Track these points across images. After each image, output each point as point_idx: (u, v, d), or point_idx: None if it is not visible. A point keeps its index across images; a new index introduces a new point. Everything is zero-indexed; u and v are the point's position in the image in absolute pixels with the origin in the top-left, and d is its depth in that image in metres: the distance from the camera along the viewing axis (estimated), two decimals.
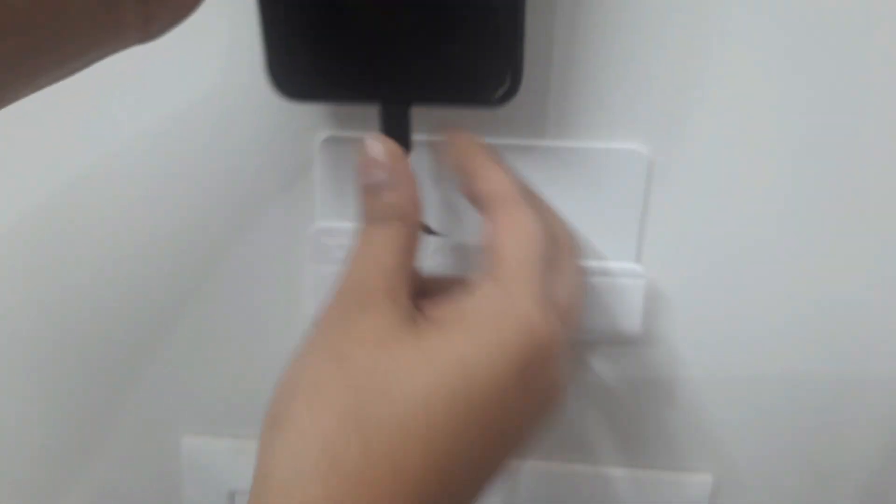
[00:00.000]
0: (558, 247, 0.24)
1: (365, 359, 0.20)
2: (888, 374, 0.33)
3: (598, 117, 0.28)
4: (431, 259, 0.29)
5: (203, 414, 0.36)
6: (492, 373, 0.19)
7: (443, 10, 0.23)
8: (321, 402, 0.19)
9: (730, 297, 0.31)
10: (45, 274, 0.33)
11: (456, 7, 0.23)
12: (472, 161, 0.24)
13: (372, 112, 0.25)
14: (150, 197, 0.31)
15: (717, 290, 0.31)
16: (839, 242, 0.30)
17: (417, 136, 0.25)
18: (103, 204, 0.31)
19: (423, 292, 0.23)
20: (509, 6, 0.23)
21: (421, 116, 0.25)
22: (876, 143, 0.28)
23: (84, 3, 0.16)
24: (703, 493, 0.35)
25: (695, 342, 0.32)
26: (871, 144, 0.28)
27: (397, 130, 0.24)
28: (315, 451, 0.18)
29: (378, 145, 0.23)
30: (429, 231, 0.26)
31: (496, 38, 0.24)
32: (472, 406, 0.19)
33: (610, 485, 0.35)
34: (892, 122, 0.28)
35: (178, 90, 0.29)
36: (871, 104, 0.28)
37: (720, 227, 0.30)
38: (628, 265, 0.29)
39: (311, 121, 0.29)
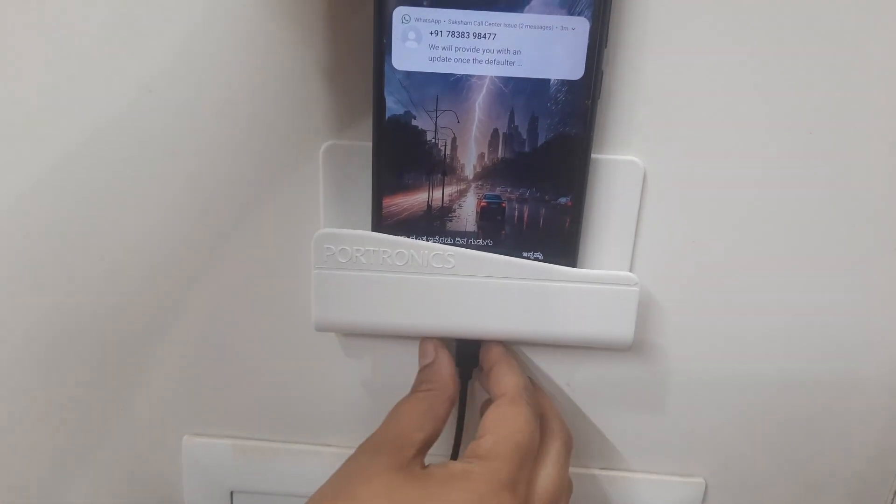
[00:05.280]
0: (549, 439, 0.28)
1: (362, 490, 0.25)
2: (876, 381, 0.33)
3: (598, 132, 0.29)
4: None
5: (203, 414, 0.36)
6: None
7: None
8: None
9: (721, 304, 0.32)
10: (49, 275, 0.33)
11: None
12: (495, 366, 0.30)
13: (369, 122, 0.28)
14: (157, 200, 0.31)
15: (708, 298, 0.32)
16: (828, 250, 0.31)
17: None
18: (109, 209, 0.31)
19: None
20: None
21: None
22: (862, 151, 0.29)
23: None
24: (696, 497, 0.36)
25: (687, 349, 0.33)
26: (858, 153, 0.29)
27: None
28: None
29: (428, 342, 0.31)
30: None
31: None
32: None
33: (604, 489, 0.36)
34: (878, 131, 0.29)
35: (186, 97, 0.29)
36: (857, 115, 0.28)
37: (711, 236, 0.31)
38: (622, 273, 0.30)
39: (314, 129, 0.30)
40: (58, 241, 0.32)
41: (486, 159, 0.28)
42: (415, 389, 0.30)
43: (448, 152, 0.28)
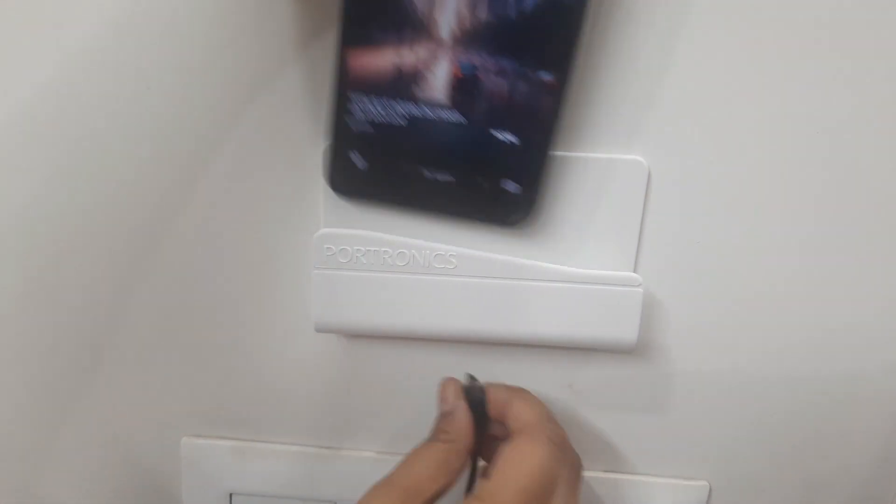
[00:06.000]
0: (567, 473, 0.27)
1: None
2: (881, 383, 0.33)
3: (603, 131, 0.29)
4: None
5: (202, 416, 0.36)
6: None
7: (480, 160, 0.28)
8: None
9: (725, 306, 0.32)
10: (46, 274, 0.33)
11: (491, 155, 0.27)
12: (512, 402, 0.29)
13: None
14: (157, 200, 0.31)
15: (712, 300, 0.31)
16: (834, 252, 0.30)
17: None
18: (108, 209, 0.31)
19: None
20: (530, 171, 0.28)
21: None
22: (869, 152, 0.29)
23: None
24: (700, 500, 0.35)
25: (691, 351, 0.33)
26: (864, 154, 0.29)
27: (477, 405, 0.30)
28: None
29: (449, 387, 0.30)
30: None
31: (519, 178, 0.28)
32: None
33: (607, 491, 0.35)
34: (886, 134, 0.28)
35: (186, 96, 0.29)
36: (865, 116, 0.28)
37: (716, 237, 0.30)
38: (626, 274, 0.29)
39: (314, 130, 0.29)
40: (58, 242, 0.32)
41: (465, 21, 0.25)
42: (434, 438, 0.29)
43: (423, 7, 0.25)
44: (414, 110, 0.27)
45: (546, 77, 0.26)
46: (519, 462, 0.26)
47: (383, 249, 0.29)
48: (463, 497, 0.29)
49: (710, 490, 0.35)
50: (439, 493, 0.27)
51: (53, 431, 0.36)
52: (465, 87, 0.26)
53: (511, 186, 0.28)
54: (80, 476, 0.37)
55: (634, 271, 0.30)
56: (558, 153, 0.29)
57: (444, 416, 0.30)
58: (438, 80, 0.26)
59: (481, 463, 0.30)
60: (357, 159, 0.28)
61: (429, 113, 0.27)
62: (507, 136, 0.27)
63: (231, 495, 0.37)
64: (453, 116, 0.27)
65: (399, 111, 0.27)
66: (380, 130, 0.27)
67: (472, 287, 0.29)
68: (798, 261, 0.31)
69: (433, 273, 0.29)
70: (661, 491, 0.35)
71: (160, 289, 0.33)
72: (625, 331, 0.30)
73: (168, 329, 0.34)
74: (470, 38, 0.26)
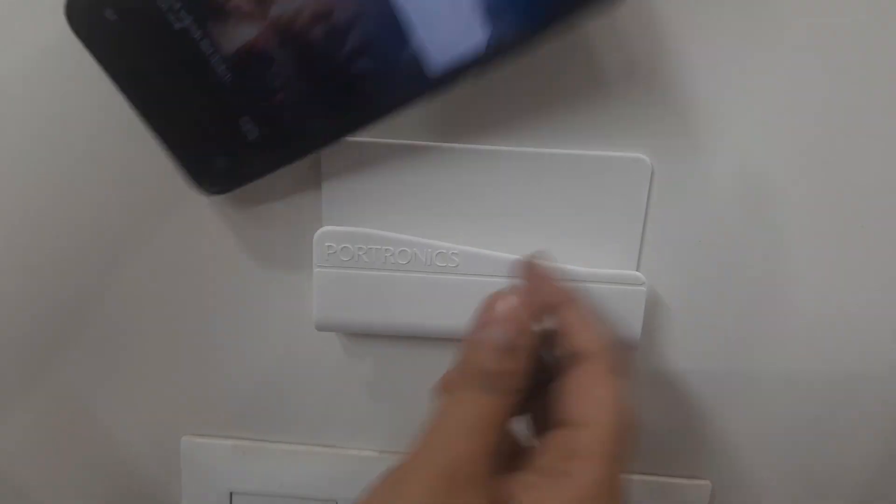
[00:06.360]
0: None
1: None
2: (885, 381, 0.33)
3: (605, 128, 0.29)
4: None
5: (203, 414, 0.36)
6: None
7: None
8: None
9: (728, 304, 0.31)
10: (44, 269, 0.32)
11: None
12: (562, 309, 0.22)
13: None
14: (159, 196, 0.31)
15: (715, 298, 0.31)
16: (839, 252, 0.30)
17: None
18: (110, 203, 0.31)
19: (513, 455, 0.22)
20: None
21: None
22: (872, 150, 0.29)
23: None
24: (702, 499, 0.35)
25: (694, 349, 0.32)
26: (866, 153, 0.29)
27: None
28: None
29: (512, 300, 0.21)
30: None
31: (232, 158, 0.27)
32: None
33: None
34: (890, 130, 0.28)
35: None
36: (869, 115, 0.28)
37: (719, 235, 0.30)
38: (629, 272, 0.29)
39: None
40: (55, 239, 0.32)
41: (300, 19, 0.23)
42: (478, 384, 0.20)
43: None
44: (197, 35, 0.24)
45: (253, 130, 0.25)
46: (609, 401, 0.20)
47: (385, 247, 0.29)
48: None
49: (713, 489, 0.35)
50: (490, 466, 0.20)
51: (51, 430, 0.36)
52: (254, 63, 0.24)
53: (221, 163, 0.27)
54: (79, 475, 0.37)
55: (637, 270, 0.30)
56: (561, 151, 0.29)
57: (502, 352, 0.21)
58: (238, 36, 0.24)
59: None
60: (111, 13, 0.24)
61: (208, 49, 0.24)
62: (250, 126, 0.26)
63: (231, 494, 0.37)
64: (222, 71, 0.24)
65: (187, 22, 0.24)
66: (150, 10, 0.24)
67: (475, 286, 0.29)
68: (801, 260, 0.31)
69: (435, 271, 0.29)
70: (663, 490, 0.35)
71: (160, 286, 0.33)
72: (628, 329, 0.30)
73: (168, 327, 0.33)
74: (294, 37, 0.24)
